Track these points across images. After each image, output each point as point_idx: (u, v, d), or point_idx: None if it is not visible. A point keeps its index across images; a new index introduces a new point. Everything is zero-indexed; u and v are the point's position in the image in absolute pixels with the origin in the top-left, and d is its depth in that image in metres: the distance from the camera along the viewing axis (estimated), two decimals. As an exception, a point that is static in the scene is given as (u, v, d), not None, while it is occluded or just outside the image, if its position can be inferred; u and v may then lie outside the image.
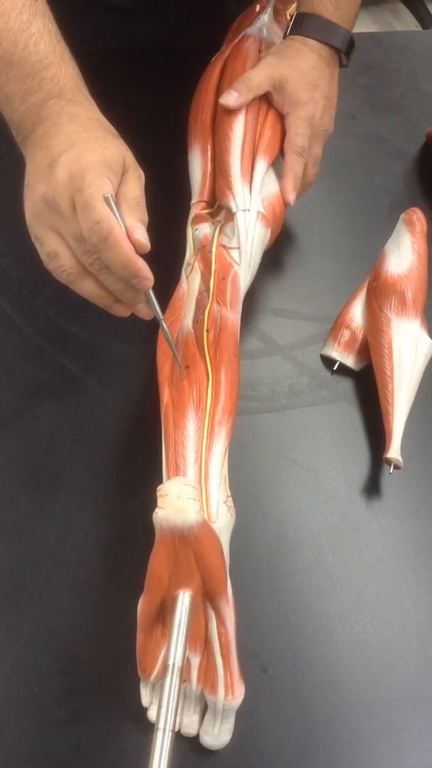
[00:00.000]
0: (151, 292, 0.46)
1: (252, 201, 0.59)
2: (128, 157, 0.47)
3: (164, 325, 0.49)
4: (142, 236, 0.44)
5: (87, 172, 0.42)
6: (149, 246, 0.45)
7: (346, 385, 0.63)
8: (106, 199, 0.42)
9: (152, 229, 0.46)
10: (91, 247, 0.43)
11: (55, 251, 0.45)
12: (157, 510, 0.40)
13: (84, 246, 0.44)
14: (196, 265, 0.59)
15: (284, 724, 0.47)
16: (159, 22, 0.85)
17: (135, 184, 0.47)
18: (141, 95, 0.80)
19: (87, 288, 0.46)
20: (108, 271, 0.44)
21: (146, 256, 0.44)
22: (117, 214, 0.42)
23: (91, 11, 0.80)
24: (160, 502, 0.41)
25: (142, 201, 0.46)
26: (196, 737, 0.46)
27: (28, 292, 0.66)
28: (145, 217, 0.46)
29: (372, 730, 0.47)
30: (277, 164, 0.63)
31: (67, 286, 0.47)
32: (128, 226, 0.44)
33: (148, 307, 0.48)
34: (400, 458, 0.54)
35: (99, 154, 0.44)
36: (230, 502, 0.49)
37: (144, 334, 0.58)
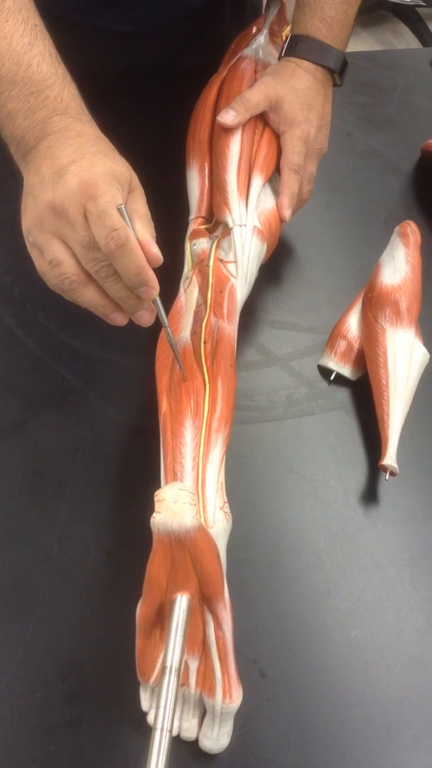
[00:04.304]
0: (158, 299, 0.48)
1: (248, 216, 0.61)
2: (134, 177, 0.48)
3: (169, 331, 0.51)
4: (157, 250, 0.46)
5: (99, 181, 0.43)
6: (162, 260, 0.46)
7: (343, 395, 0.64)
8: (120, 210, 0.43)
9: (152, 243, 0.47)
10: (103, 255, 0.44)
11: (59, 258, 0.45)
12: (154, 515, 0.41)
13: (92, 253, 0.44)
14: (194, 278, 0.61)
15: (283, 728, 0.48)
16: (160, 45, 0.87)
17: (143, 203, 0.48)
18: (141, 115, 0.82)
19: (88, 296, 0.47)
20: (114, 279, 0.45)
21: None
22: (129, 224, 0.44)
23: (94, 35, 0.82)
24: (157, 506, 0.41)
25: (151, 218, 0.48)
26: (196, 741, 0.46)
27: (31, 307, 0.67)
28: (155, 234, 0.47)
29: (370, 733, 0.47)
30: (273, 181, 0.65)
31: (68, 301, 0.48)
32: (144, 240, 0.45)
33: (148, 314, 0.48)
34: (395, 465, 0.55)
35: (108, 167, 0.45)
36: (227, 509, 0.49)
37: (143, 347, 0.60)
